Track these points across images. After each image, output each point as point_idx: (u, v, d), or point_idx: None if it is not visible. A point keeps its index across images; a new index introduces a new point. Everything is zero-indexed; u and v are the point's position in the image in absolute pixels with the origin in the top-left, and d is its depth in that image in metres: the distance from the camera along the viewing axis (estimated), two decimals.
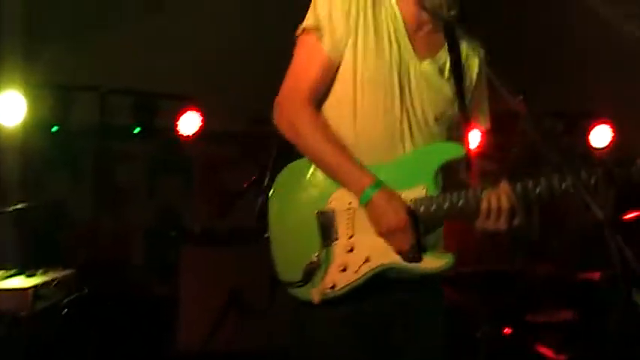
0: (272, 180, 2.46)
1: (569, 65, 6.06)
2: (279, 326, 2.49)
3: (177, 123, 5.88)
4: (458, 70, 2.41)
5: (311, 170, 2.39)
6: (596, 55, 5.93)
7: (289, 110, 2.37)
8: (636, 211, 4.28)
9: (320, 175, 2.37)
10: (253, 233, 2.61)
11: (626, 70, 5.69)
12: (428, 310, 2.45)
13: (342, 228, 2.32)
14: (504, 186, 2.22)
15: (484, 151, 4.76)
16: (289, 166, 2.43)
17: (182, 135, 5.91)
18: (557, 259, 5.91)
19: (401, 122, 2.35)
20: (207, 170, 6.37)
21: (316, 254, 2.32)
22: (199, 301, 5.43)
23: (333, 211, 2.33)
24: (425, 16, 2.39)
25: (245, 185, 4.90)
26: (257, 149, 2.52)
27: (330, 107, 2.41)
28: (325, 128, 2.35)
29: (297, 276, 2.33)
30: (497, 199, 2.20)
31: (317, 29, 2.35)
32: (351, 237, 2.32)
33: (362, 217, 2.31)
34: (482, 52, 2.47)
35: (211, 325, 5.33)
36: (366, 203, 2.27)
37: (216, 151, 6.28)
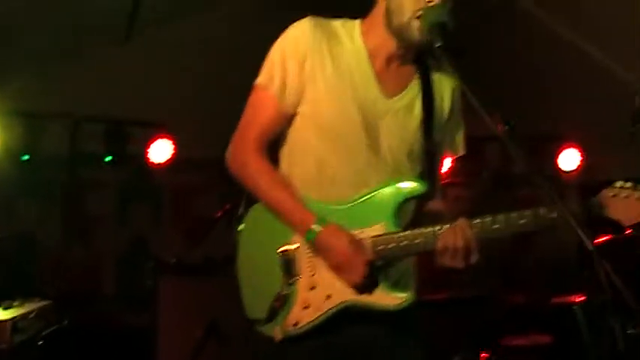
0: (247, 208, 2.45)
1: (539, 89, 6.14)
2: (257, 356, 2.47)
3: (148, 151, 5.87)
4: (429, 103, 2.39)
5: None
6: (564, 80, 6.01)
7: (238, 154, 2.38)
8: (605, 236, 4.32)
9: None
10: (228, 262, 2.59)
11: (593, 95, 5.77)
12: (398, 343, 2.40)
13: (304, 266, 2.32)
14: (461, 223, 2.20)
15: (454, 177, 4.79)
16: (259, 203, 2.41)
17: (153, 163, 5.89)
18: (527, 285, 5.95)
19: (367, 162, 2.33)
20: (179, 198, 6.34)
21: (280, 292, 2.32)
22: (177, 331, 5.37)
23: (296, 249, 2.33)
24: (395, 48, 2.35)
25: (218, 214, 4.87)
26: (230, 177, 2.50)
27: (292, 151, 2.40)
28: (270, 171, 2.36)
29: (263, 313, 2.32)
30: (453, 238, 2.19)
31: (269, 88, 2.34)
32: (313, 275, 2.31)
33: None
34: (457, 79, 2.21)
35: (190, 355, 5.27)
36: (312, 241, 2.28)
37: (188, 179, 6.25)
